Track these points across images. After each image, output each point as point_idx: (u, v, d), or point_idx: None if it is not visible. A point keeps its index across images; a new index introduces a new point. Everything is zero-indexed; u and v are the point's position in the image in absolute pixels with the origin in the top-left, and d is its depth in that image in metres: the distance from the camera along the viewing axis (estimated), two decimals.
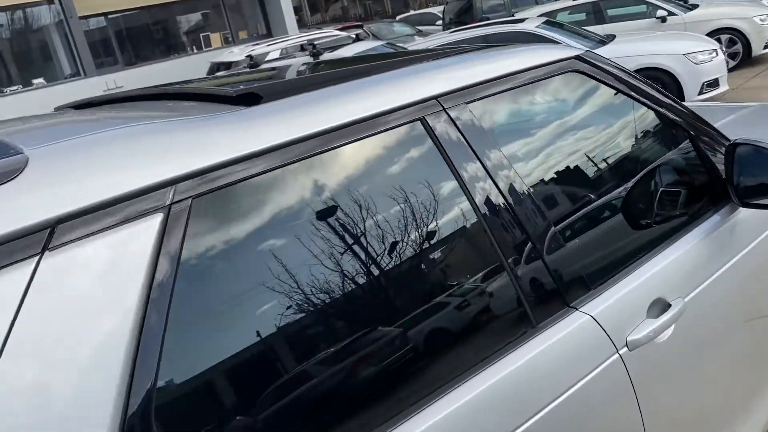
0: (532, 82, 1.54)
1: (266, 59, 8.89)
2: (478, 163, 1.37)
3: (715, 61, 7.61)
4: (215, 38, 15.65)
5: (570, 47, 1.68)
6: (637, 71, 7.59)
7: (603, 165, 1.64)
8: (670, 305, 1.58)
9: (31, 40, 13.31)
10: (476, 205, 1.34)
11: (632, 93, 1.76)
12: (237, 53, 10.46)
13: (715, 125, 3.01)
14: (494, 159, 1.40)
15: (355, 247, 1.19)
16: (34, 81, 12.48)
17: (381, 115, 1.27)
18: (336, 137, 1.22)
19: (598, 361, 1.41)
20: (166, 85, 1.69)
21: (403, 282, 1.25)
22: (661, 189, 1.85)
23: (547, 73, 1.58)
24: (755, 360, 1.91)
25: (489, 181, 1.37)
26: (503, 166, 1.41)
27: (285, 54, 9.47)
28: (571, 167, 1.57)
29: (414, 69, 1.41)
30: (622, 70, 1.78)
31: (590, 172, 1.61)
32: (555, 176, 1.53)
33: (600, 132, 1.68)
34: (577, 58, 1.66)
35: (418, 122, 1.32)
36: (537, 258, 1.40)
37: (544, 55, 1.58)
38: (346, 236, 1.19)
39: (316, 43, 6.89)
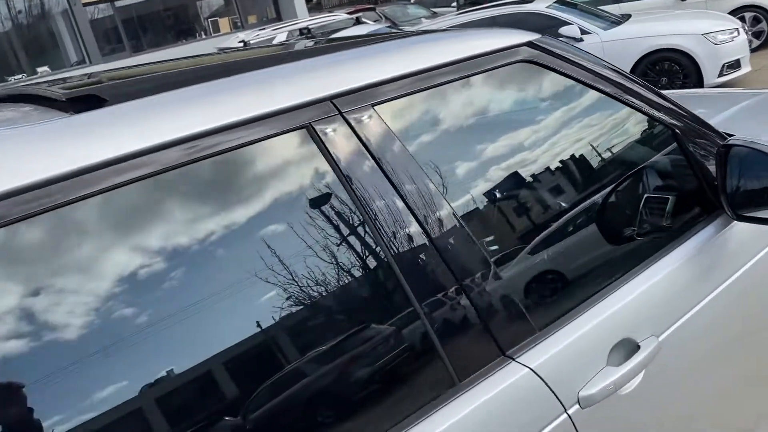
0: (466, 77, 1.25)
1: (272, 45, 8.64)
2: (385, 181, 1.09)
3: (736, 41, 7.17)
4: (224, 23, 15.39)
5: (522, 32, 1.39)
6: (652, 53, 7.20)
7: (557, 177, 1.35)
8: (639, 347, 1.30)
9: (35, 28, 13.17)
10: (381, 234, 1.06)
11: (600, 86, 1.46)
12: (243, 38, 10.23)
13: (720, 116, 2.70)
14: (408, 175, 1.12)
15: (210, 302, 0.92)
16: (39, 69, 12.33)
17: (249, 122, 0.99)
18: (188, 150, 0.95)
19: (539, 425, 1.13)
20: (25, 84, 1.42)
21: (276, 336, 0.98)
22: (636, 200, 1.55)
23: (488, 65, 1.29)
24: (746, 409, 1.62)
25: (400, 203, 1.09)
26: (420, 184, 1.12)
27: (291, 38, 9.21)
28: (516, 180, 1.29)
29: (306, 64, 1.12)
30: (589, 58, 1.48)
31: (539, 185, 1.32)
32: (492, 192, 1.25)
33: (557, 136, 1.38)
34: (530, 45, 1.37)
35: (303, 130, 1.04)
36: (463, 296, 1.12)
37: (483, 43, 1.29)
38: (198, 288, 0.92)
39: (311, 27, 6.61)
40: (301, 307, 0.99)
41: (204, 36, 15.13)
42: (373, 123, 1.10)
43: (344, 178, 1.04)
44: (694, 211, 1.60)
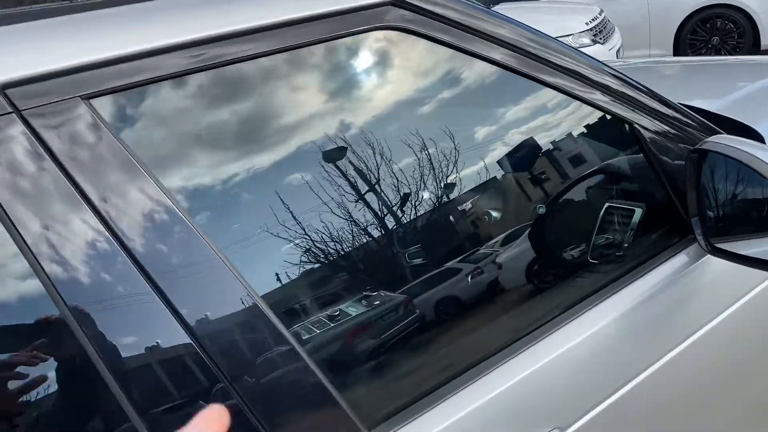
0: (273, 53, 0.83)
1: None
2: (97, 223, 0.70)
3: None
4: None
5: None
6: (703, 9, 6.51)
7: (424, 199, 0.94)
8: None
9: None
10: (69, 308, 0.67)
11: (514, 65, 1.02)
12: None
13: (741, 91, 2.17)
14: (141, 209, 0.72)
15: None
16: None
17: None
18: None
19: None
20: None
21: None
22: (563, 225, 1.14)
23: (318, 36, 0.87)
24: None
25: (114, 244, 0.70)
26: (164, 221, 0.73)
27: None
28: (346, 207, 0.88)
29: None
30: (500, 22, 1.04)
31: (387, 218, 0.91)
32: (310, 223, 0.85)
33: (431, 141, 0.96)
34: (397, 3, 0.94)
35: None
36: (229, 390, 0.74)
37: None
38: None
39: None
40: None
41: None
42: (81, 128, 0.71)
43: (10, 222, 0.65)
44: (654, 238, 1.18)
